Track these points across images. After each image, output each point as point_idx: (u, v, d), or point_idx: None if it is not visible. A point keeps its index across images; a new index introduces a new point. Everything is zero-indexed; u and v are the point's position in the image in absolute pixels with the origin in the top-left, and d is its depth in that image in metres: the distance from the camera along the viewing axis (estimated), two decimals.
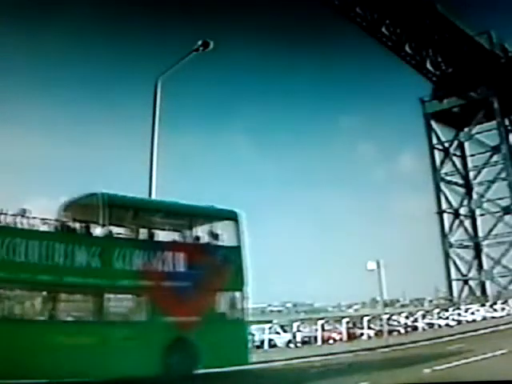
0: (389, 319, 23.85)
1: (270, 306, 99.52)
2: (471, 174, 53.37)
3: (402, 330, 24.97)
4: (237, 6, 57.66)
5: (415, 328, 26.29)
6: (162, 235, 12.73)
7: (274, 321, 27.05)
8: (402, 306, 52.78)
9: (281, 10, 55.60)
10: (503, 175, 50.51)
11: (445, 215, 52.61)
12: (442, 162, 53.50)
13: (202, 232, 13.06)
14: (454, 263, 51.62)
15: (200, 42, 17.54)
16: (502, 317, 31.31)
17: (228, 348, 11.88)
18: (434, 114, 52.75)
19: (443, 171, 53.24)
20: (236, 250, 13.11)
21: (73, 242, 10.97)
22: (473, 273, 51.92)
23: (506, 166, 50.16)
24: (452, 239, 51.93)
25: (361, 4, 46.10)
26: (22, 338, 9.62)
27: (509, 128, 52.39)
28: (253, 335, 22.26)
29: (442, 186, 52.90)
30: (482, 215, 52.44)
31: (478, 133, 52.34)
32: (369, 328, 23.46)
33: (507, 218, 50.49)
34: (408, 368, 12.21)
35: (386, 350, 17.95)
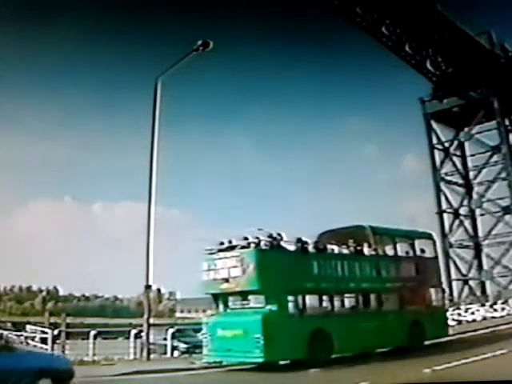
0: None
1: None
2: (471, 174, 53.29)
3: None
4: (238, 6, 57.64)
5: None
6: (391, 251, 17.72)
7: None
8: None
9: (282, 11, 55.59)
10: (503, 175, 50.43)
11: (445, 215, 52.55)
12: (442, 162, 53.41)
13: (414, 248, 18.20)
14: (454, 263, 51.52)
15: (200, 42, 17.54)
16: (502, 317, 31.28)
17: (438, 325, 17.61)
18: (434, 114, 52.66)
19: (443, 171, 53.15)
20: (435, 260, 19.14)
21: (362, 260, 16.28)
22: (473, 273, 51.83)
23: (506, 166, 50.07)
24: (452, 239, 51.82)
25: (361, 4, 46.06)
26: (348, 324, 14.86)
27: (509, 128, 52.31)
28: None
29: (442, 185, 52.82)
30: (482, 215, 52.33)
31: (478, 133, 52.23)
32: None
33: (507, 217, 50.44)
34: (408, 368, 12.24)
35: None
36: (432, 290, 18.22)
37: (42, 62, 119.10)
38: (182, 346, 20.81)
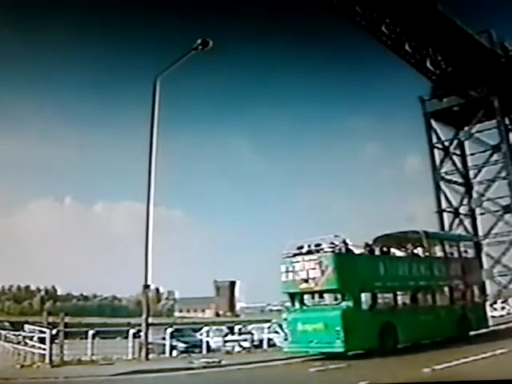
0: None
1: (269, 305, 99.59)
2: (471, 173, 53.27)
3: None
4: (237, 6, 57.58)
5: None
6: (439, 253, 19.51)
7: (273, 320, 26.97)
8: None
9: (281, 10, 55.53)
10: (503, 174, 50.43)
11: (445, 214, 52.49)
12: (442, 161, 53.39)
13: (459, 250, 20.12)
14: None
15: (199, 41, 17.42)
16: (502, 316, 31.24)
17: (480, 318, 19.56)
18: (434, 113, 52.64)
19: (443, 170, 53.13)
20: (476, 260, 21.95)
21: (418, 261, 18.09)
22: None
23: (505, 165, 50.07)
24: None
25: (360, 3, 45.99)
26: (410, 318, 16.54)
27: (509, 127, 52.29)
28: (252, 335, 22.18)
29: (442, 185, 52.78)
30: (482, 214, 52.33)
31: (477, 132, 52.24)
32: None
33: (507, 216, 50.42)
34: (411, 367, 12.20)
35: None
36: (475, 287, 20.24)
37: (41, 62, 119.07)
38: (181, 345, 20.75)
